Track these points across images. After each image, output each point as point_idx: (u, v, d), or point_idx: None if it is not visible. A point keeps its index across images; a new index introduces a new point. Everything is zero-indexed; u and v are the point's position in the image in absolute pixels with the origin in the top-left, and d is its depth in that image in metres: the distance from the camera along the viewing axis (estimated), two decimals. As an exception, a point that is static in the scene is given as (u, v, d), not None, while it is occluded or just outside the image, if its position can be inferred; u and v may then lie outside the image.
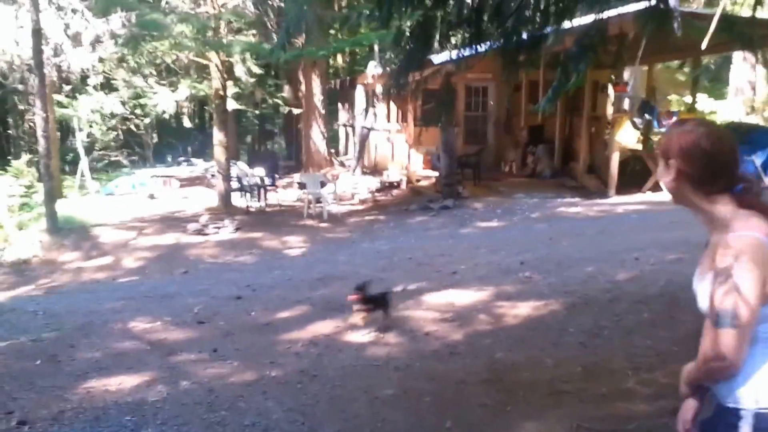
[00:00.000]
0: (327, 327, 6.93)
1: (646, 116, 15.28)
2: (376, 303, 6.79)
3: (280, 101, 27.86)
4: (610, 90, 15.65)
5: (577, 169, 16.79)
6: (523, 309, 7.13)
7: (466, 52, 6.99)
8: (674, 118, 15.42)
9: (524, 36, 6.10)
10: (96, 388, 5.57)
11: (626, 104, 14.93)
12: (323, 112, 23.46)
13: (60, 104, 20.06)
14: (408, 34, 6.28)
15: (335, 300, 7.89)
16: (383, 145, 22.52)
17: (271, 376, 5.70)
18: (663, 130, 15.75)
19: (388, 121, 22.33)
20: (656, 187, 15.27)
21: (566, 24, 6.57)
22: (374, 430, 4.72)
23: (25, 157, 19.32)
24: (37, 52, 14.82)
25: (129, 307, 8.25)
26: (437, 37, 6.02)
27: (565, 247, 10.05)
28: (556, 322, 6.68)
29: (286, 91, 28.95)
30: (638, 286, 7.55)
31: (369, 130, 21.43)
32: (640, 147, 16.16)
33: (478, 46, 6.45)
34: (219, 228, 14.11)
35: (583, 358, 5.77)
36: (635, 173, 15.63)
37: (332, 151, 25.17)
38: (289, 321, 7.31)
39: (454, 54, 7.05)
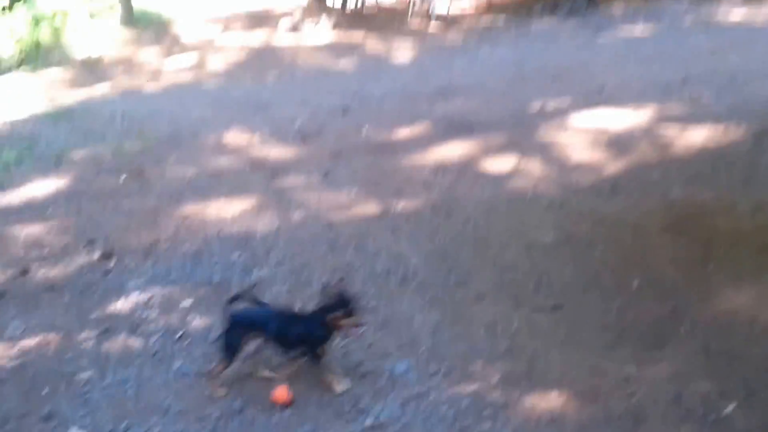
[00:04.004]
0: (455, 151, 6.19)
1: None
2: None
3: None
4: None
5: (737, -32, 14.64)
6: (696, 136, 6.24)
7: None
8: None
9: None
10: (193, 214, 5.03)
11: None
12: None
13: None
14: None
15: (460, 118, 7.09)
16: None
17: (398, 209, 5.06)
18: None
19: None
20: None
21: None
22: (539, 286, 4.05)
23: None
24: None
25: (220, 117, 7.59)
26: None
27: (735, 61, 8.70)
28: (742, 153, 5.79)
29: None
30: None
31: None
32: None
33: None
34: (314, 26, 13.05)
35: (790, 202, 4.88)
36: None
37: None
38: (408, 141, 6.57)
39: None
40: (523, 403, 3.10)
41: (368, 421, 2.98)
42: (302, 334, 3.18)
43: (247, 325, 3.22)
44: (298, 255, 4.28)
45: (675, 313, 3.78)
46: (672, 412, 3.04)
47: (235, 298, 3.30)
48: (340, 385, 3.19)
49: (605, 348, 3.49)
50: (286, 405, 3.02)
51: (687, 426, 2.96)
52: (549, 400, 3.11)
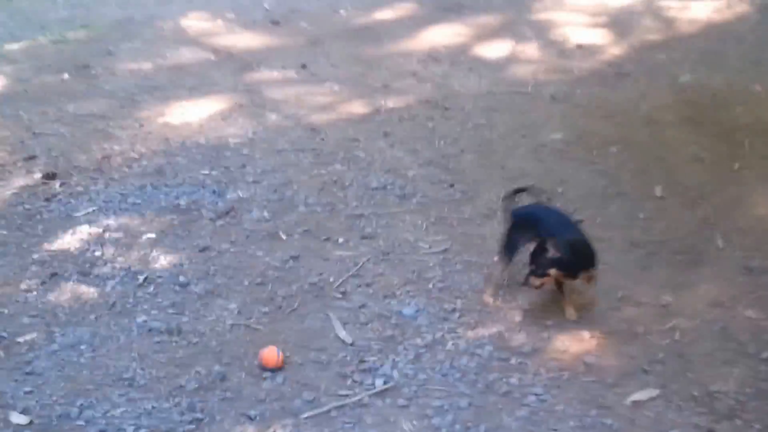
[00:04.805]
0: (445, 34, 5.80)
1: None
2: None
3: None
4: None
5: None
6: (700, 11, 5.99)
7: None
8: None
9: None
10: (151, 119, 4.44)
11: None
12: None
13: None
14: None
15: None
16: None
17: (388, 107, 4.61)
18: None
19: None
20: None
21: None
22: (552, 196, 3.60)
23: None
24: None
25: (178, -2, 6.87)
26: None
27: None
28: (749, 29, 5.63)
29: None
30: None
31: None
32: None
33: None
34: None
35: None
36: None
37: None
38: (392, 24, 6.07)
39: None
40: (553, 347, 2.64)
41: (378, 383, 2.46)
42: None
43: (530, 226, 2.89)
44: (279, 170, 3.74)
45: (706, 223, 3.37)
46: (720, 349, 2.64)
47: (519, 191, 3.06)
48: (571, 315, 2.83)
49: (636, 269, 3.09)
50: (277, 368, 2.50)
51: (739, 367, 2.55)
52: (581, 342, 2.67)
